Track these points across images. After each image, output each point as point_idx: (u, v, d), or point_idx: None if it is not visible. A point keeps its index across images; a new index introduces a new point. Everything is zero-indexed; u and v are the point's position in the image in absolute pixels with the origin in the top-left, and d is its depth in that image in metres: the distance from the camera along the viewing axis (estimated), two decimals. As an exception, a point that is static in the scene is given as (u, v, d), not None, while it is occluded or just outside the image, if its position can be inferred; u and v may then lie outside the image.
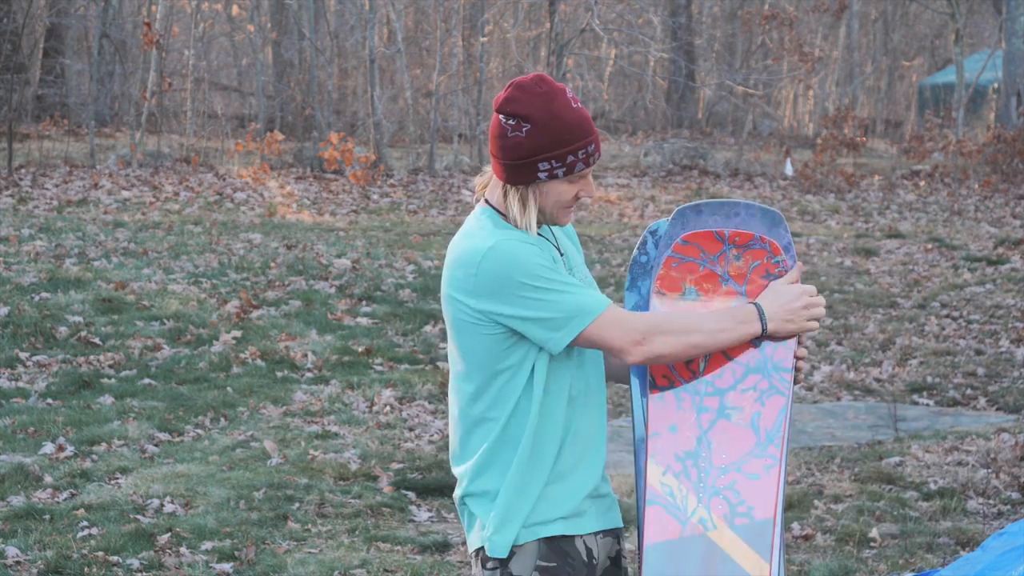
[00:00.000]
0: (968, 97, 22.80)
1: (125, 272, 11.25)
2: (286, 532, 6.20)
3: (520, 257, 2.98)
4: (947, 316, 11.30)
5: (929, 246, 14.61)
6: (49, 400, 8.24)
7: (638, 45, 23.58)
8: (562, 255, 3.15)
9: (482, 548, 3.08)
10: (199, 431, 7.80)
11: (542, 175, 3.02)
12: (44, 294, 10.27)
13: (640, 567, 3.06)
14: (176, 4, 24.84)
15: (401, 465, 7.21)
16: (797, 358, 3.15)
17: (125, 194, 16.23)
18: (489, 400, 3.07)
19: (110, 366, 8.95)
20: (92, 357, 9.06)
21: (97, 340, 9.40)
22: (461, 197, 17.82)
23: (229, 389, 8.57)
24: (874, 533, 6.26)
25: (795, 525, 6.40)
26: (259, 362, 9.21)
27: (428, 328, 10.31)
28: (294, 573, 5.71)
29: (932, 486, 6.96)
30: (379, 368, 9.29)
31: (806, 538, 6.26)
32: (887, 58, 31.57)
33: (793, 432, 7.90)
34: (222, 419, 8.03)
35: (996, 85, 24.99)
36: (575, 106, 3.02)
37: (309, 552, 5.97)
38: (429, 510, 6.63)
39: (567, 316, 2.98)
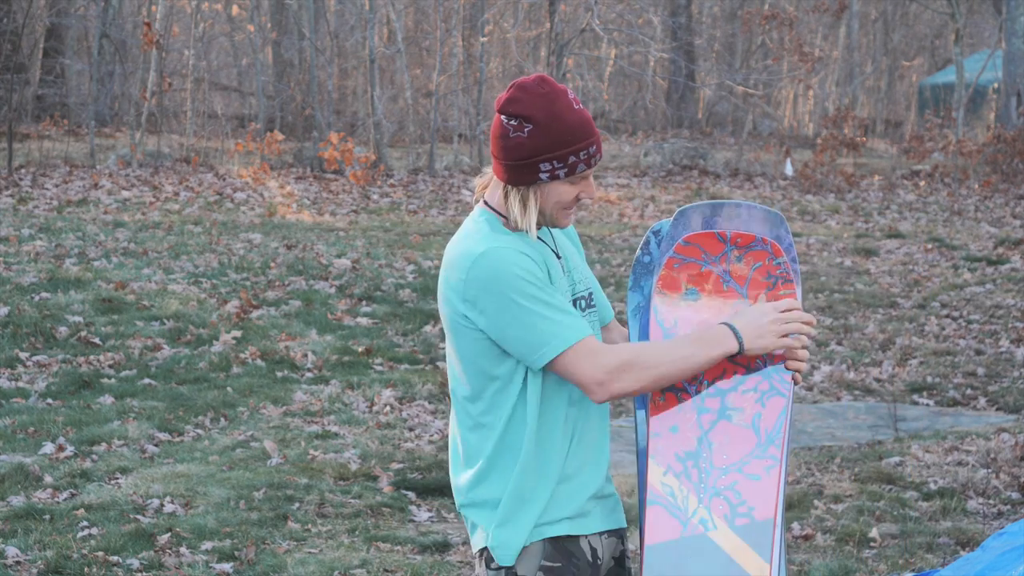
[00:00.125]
0: (968, 97, 22.80)
1: (125, 272, 11.25)
2: (286, 532, 6.20)
3: (508, 268, 2.97)
4: (947, 316, 11.30)
5: (929, 246, 14.61)
6: (49, 400, 8.24)
7: (638, 45, 23.58)
8: (560, 258, 3.14)
9: (486, 548, 3.08)
10: (199, 431, 7.80)
11: (543, 176, 3.01)
12: (44, 294, 10.27)
13: (641, 567, 3.06)
14: (176, 4, 24.84)
15: (401, 465, 7.21)
16: (793, 370, 3.16)
17: (125, 194, 16.24)
18: (484, 405, 3.07)
19: (110, 366, 8.95)
20: (92, 357, 9.06)
21: (97, 340, 9.40)
22: (461, 197, 17.82)
23: (229, 389, 8.57)
24: (874, 533, 6.26)
25: (795, 525, 6.40)
26: (259, 362, 9.21)
27: (428, 328, 10.31)
28: (294, 573, 5.71)
29: (932, 486, 6.96)
30: (379, 368, 9.29)
31: (806, 538, 6.26)
32: (887, 58, 31.57)
33: (793, 432, 7.90)
34: (222, 419, 8.03)
35: (996, 85, 24.99)
36: (577, 107, 3.02)
37: (309, 552, 5.97)
38: (429, 510, 6.63)
39: (541, 341, 2.96)
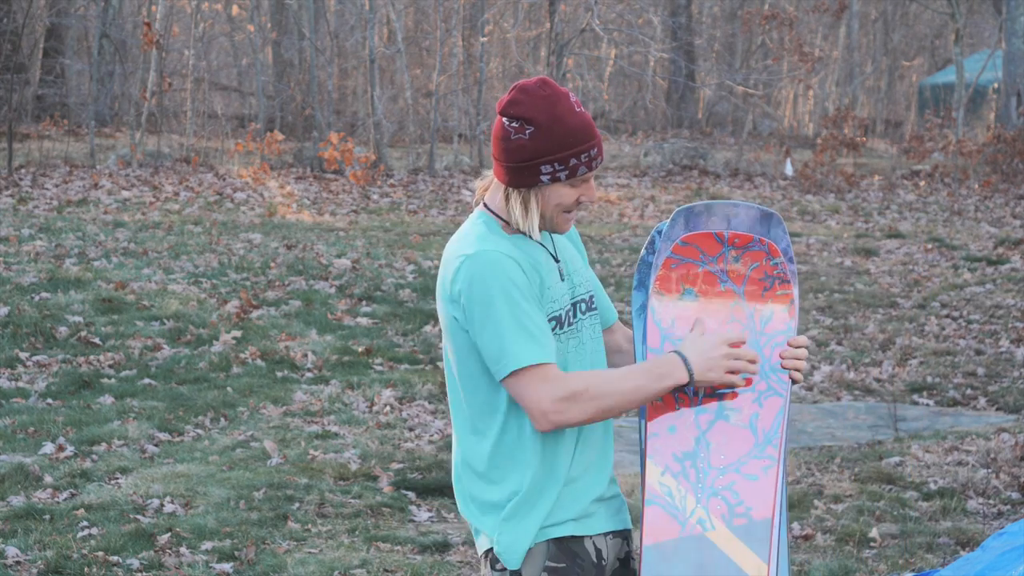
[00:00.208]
0: (968, 97, 22.80)
1: (125, 272, 11.25)
2: (286, 532, 6.20)
3: (493, 272, 2.97)
4: (947, 316, 11.30)
5: (929, 246, 14.61)
6: (49, 400, 8.24)
7: (638, 45, 23.58)
8: (558, 262, 3.14)
9: (491, 549, 3.08)
10: (199, 431, 7.80)
11: (544, 178, 3.01)
12: (44, 294, 10.27)
13: (639, 567, 3.07)
14: (176, 4, 24.84)
15: (401, 465, 7.21)
16: (791, 368, 3.17)
17: (125, 194, 16.24)
18: (479, 407, 3.08)
19: (110, 366, 8.95)
20: (92, 357, 9.06)
21: (97, 340, 9.41)
22: (461, 197, 17.82)
23: (229, 389, 8.57)
24: (874, 533, 6.26)
25: (795, 525, 6.40)
26: (259, 362, 9.21)
27: (428, 328, 10.31)
28: (294, 573, 5.71)
29: (932, 486, 6.96)
30: (379, 368, 9.29)
31: (806, 538, 6.26)
32: (887, 58, 31.57)
33: (793, 432, 7.90)
34: (222, 419, 8.03)
35: (996, 85, 24.99)
36: (578, 110, 3.02)
37: (309, 552, 5.97)
38: (429, 510, 6.63)
39: (501, 354, 2.97)
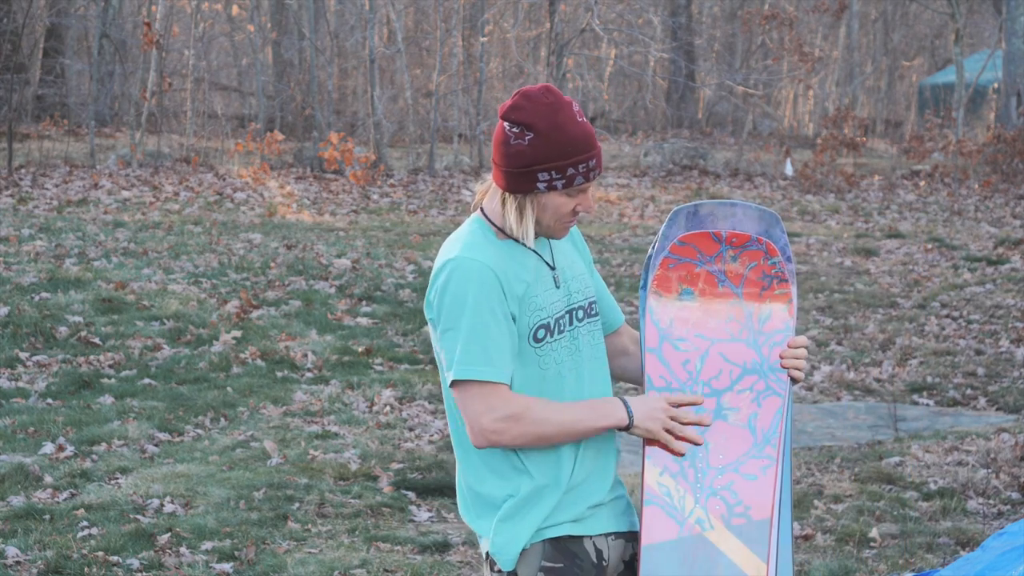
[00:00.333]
0: (968, 97, 22.80)
1: (125, 272, 11.25)
2: (286, 532, 6.20)
3: (466, 283, 2.98)
4: (947, 316, 11.30)
5: (929, 246, 14.61)
6: (49, 400, 8.25)
7: (638, 45, 23.58)
8: (553, 269, 3.13)
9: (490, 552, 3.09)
10: (199, 431, 7.80)
11: (541, 185, 3.00)
12: (44, 294, 10.27)
13: (638, 568, 3.06)
14: (176, 4, 24.84)
15: (401, 465, 7.21)
16: (790, 367, 3.17)
17: (125, 194, 16.24)
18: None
19: (110, 366, 8.95)
20: (92, 357, 9.06)
21: (97, 340, 9.41)
22: (461, 197, 17.82)
23: (229, 389, 8.57)
24: (874, 533, 6.26)
25: (795, 525, 6.40)
26: (259, 362, 9.21)
27: (428, 328, 10.31)
28: (294, 573, 5.71)
29: (932, 486, 6.96)
30: (379, 368, 9.29)
31: (806, 538, 6.27)
32: (887, 58, 31.57)
33: (793, 432, 7.89)
34: (222, 419, 8.03)
35: (996, 85, 24.99)
36: (580, 120, 3.01)
37: (309, 552, 5.97)
38: (429, 510, 6.63)
39: (450, 363, 3.00)
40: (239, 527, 6.19)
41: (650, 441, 3.10)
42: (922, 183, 20.72)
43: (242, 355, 9.28)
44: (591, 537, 3.09)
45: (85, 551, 5.82)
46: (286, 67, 24.17)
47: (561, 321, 3.09)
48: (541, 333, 3.05)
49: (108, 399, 8.25)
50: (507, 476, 3.05)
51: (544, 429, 2.99)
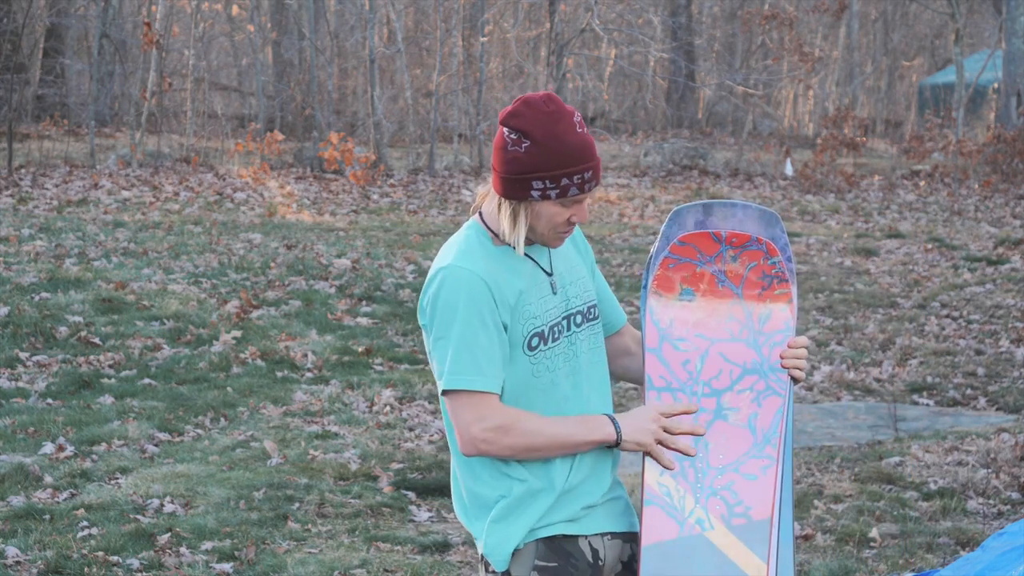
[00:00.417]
0: (968, 97, 22.80)
1: (125, 272, 11.25)
2: (286, 532, 6.20)
3: (457, 292, 2.98)
4: (947, 316, 11.30)
5: (929, 246, 14.61)
6: (49, 400, 8.24)
7: (638, 45, 23.58)
8: (551, 275, 3.12)
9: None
10: (199, 431, 7.80)
11: (535, 194, 2.99)
12: (44, 294, 10.27)
13: (638, 568, 3.06)
14: (176, 4, 24.84)
15: (401, 465, 7.21)
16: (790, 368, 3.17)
17: (125, 194, 16.24)
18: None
19: (110, 366, 8.95)
20: (92, 357, 9.06)
21: (97, 340, 9.41)
22: (461, 197, 17.82)
23: (229, 389, 8.57)
24: (874, 533, 6.26)
25: (795, 525, 6.40)
26: (259, 362, 9.21)
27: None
28: (294, 573, 5.71)
29: (932, 486, 6.96)
30: (379, 368, 9.29)
31: (806, 538, 6.27)
32: (887, 58, 31.57)
33: (793, 432, 7.90)
34: (222, 419, 8.03)
35: (996, 85, 25.00)
36: (579, 131, 2.99)
37: (309, 552, 5.97)
38: (429, 510, 6.63)
39: (441, 372, 3.00)
40: (239, 527, 6.19)
41: None
42: (922, 183, 20.72)
43: (242, 355, 9.28)
44: (586, 537, 3.09)
45: (85, 551, 5.82)
46: (286, 67, 24.17)
47: (556, 328, 3.08)
48: (535, 341, 3.04)
49: (108, 399, 8.25)
50: (501, 477, 3.05)
51: (533, 441, 2.99)
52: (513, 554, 3.04)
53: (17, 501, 6.45)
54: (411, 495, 6.80)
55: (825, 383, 9.29)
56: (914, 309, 11.60)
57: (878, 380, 9.38)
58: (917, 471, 7.20)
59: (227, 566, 5.74)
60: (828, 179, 20.32)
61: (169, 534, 6.05)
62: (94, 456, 7.22)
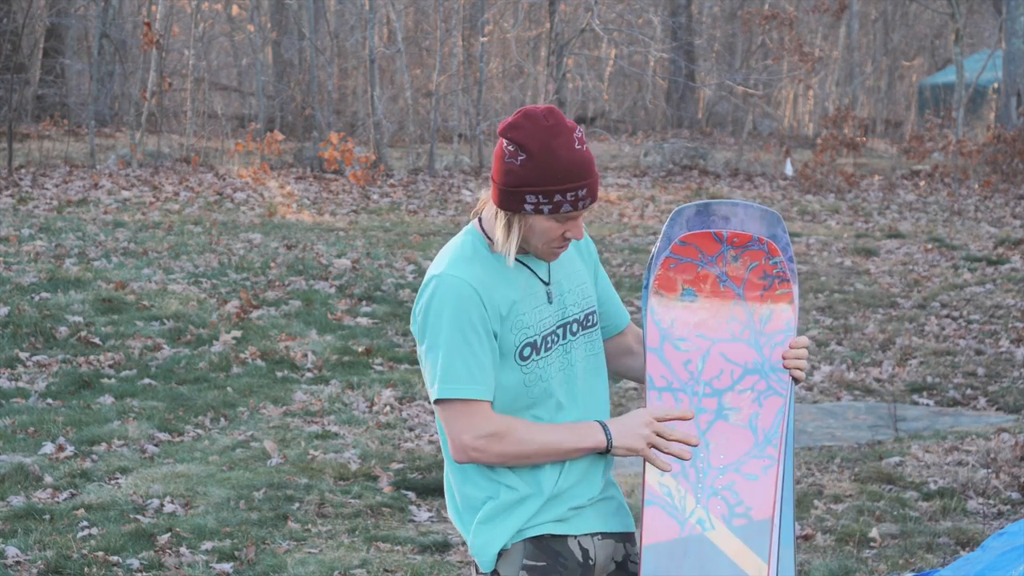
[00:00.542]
0: (968, 97, 22.81)
1: (125, 272, 11.25)
2: (286, 532, 6.20)
3: (448, 301, 2.98)
4: (947, 316, 11.30)
5: (929, 246, 14.61)
6: (49, 400, 8.24)
7: (638, 45, 23.58)
8: (548, 284, 3.11)
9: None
10: (199, 431, 7.80)
11: (527, 207, 2.98)
12: (44, 294, 10.27)
13: (639, 568, 3.06)
14: (176, 4, 24.84)
15: (401, 465, 7.21)
16: (791, 368, 3.17)
17: (125, 194, 16.24)
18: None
19: (110, 366, 8.95)
20: (92, 357, 9.06)
21: (97, 340, 9.41)
22: (461, 197, 17.82)
23: (229, 389, 8.57)
24: (874, 533, 6.26)
25: (795, 525, 6.39)
26: (259, 362, 9.21)
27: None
28: (294, 573, 5.71)
29: (932, 486, 6.96)
30: (379, 368, 9.29)
31: (806, 538, 6.27)
32: (887, 58, 31.57)
33: (793, 432, 7.90)
34: (222, 419, 8.03)
35: (996, 85, 25.00)
36: (578, 147, 2.96)
37: (309, 552, 5.97)
38: (429, 510, 6.63)
39: (434, 378, 3.00)
40: (239, 527, 6.19)
41: None
42: (922, 183, 20.72)
43: (242, 355, 9.28)
44: (575, 536, 3.08)
45: (85, 551, 5.82)
46: (286, 67, 24.17)
47: (550, 338, 3.07)
48: (527, 351, 3.04)
49: (108, 399, 8.25)
50: (490, 478, 3.05)
51: (524, 448, 3.00)
52: (501, 554, 3.04)
53: (17, 501, 6.45)
54: (411, 495, 6.80)
55: (825, 383, 9.29)
56: (914, 309, 11.60)
57: (878, 380, 9.38)
58: (917, 471, 7.20)
59: (227, 566, 5.74)
60: (828, 179, 20.32)
61: (169, 534, 6.05)
62: (94, 456, 7.22)
